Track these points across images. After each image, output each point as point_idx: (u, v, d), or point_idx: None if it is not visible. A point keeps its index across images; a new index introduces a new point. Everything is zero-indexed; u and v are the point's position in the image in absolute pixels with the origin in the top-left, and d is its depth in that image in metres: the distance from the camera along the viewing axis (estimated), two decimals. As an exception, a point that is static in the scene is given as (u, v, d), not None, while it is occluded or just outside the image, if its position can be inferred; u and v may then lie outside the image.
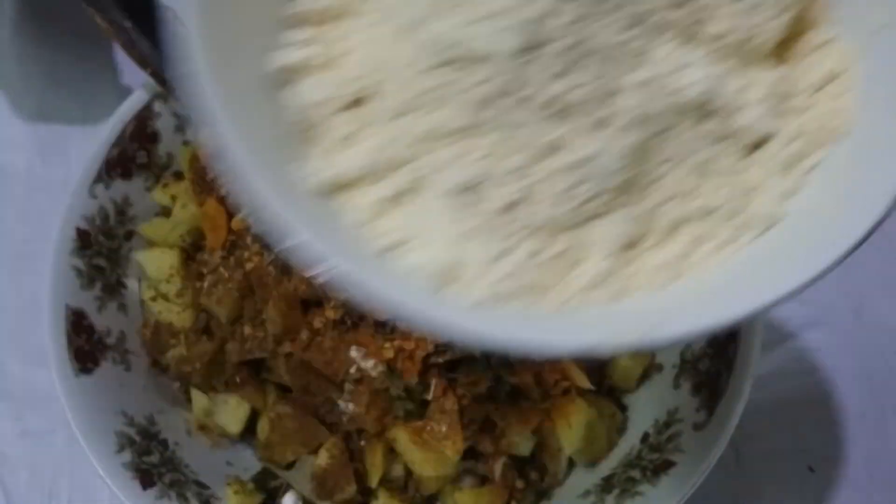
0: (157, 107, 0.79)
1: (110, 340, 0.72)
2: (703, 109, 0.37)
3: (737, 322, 0.33)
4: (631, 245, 0.37)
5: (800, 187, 0.38)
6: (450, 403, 0.68)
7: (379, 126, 0.38)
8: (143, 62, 0.68)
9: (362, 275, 0.33)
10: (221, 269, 0.73)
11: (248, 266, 0.72)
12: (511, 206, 0.36)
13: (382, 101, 0.38)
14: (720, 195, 0.37)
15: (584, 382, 0.69)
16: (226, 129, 0.34)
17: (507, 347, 0.34)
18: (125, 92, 0.93)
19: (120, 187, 0.77)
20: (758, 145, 0.39)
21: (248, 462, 0.73)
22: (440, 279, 0.35)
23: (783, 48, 0.41)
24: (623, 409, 0.74)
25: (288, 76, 0.39)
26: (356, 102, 0.39)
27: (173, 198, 0.79)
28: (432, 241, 0.36)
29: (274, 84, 0.39)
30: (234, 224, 0.75)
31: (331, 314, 0.69)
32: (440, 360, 0.68)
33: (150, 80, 0.69)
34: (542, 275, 0.36)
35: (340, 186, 0.37)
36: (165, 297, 0.75)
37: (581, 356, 0.37)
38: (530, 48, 0.35)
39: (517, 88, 0.35)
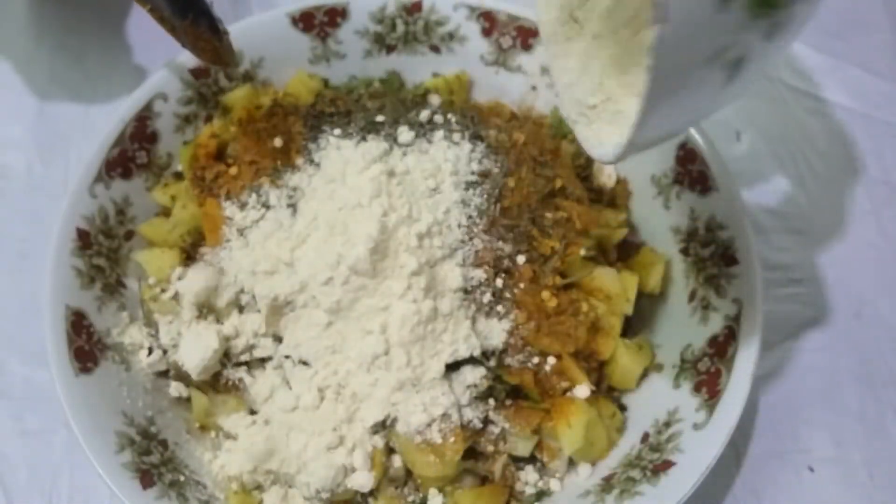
0: (158, 107, 0.80)
1: (110, 340, 0.72)
2: None
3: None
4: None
5: None
6: (450, 403, 0.68)
7: None
8: None
9: None
10: (221, 269, 0.73)
11: (248, 266, 0.72)
12: None
13: None
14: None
15: (584, 382, 0.69)
16: None
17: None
18: (137, 72, 0.93)
19: (120, 187, 0.77)
20: None
21: (248, 462, 0.73)
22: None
23: None
24: (623, 409, 0.74)
25: None
26: None
27: (173, 198, 0.79)
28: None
29: None
30: (234, 224, 0.75)
31: (331, 314, 0.69)
32: (440, 360, 0.68)
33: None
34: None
35: None
36: (165, 297, 0.75)
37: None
38: None
39: None
